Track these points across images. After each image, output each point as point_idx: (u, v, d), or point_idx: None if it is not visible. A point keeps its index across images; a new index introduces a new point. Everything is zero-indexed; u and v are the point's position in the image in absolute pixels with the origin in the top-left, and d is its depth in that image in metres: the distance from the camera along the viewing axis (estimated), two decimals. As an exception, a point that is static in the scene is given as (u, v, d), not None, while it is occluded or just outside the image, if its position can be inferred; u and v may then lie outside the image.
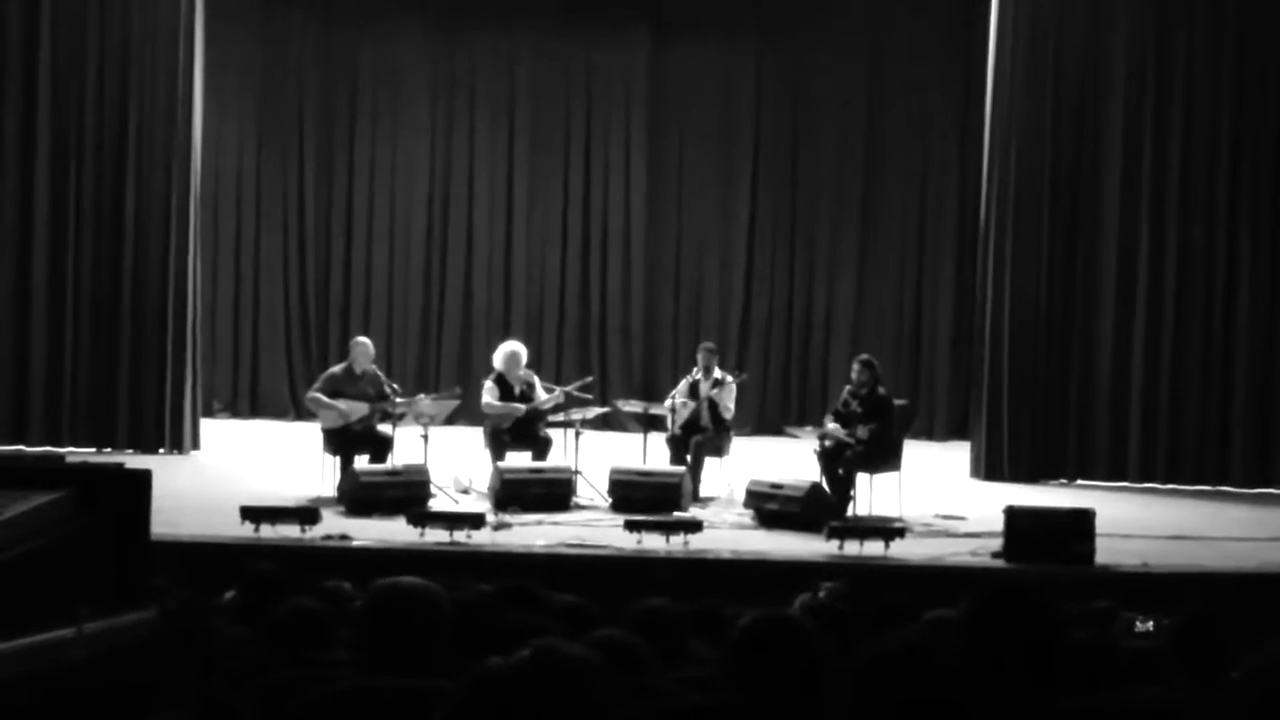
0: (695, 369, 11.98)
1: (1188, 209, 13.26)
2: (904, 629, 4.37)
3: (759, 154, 16.50)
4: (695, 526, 9.76)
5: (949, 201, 16.28)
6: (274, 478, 12.01)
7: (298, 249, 16.44)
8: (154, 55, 13.36)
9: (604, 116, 16.46)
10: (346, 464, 11.15)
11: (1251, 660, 3.11)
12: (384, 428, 11.46)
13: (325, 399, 11.31)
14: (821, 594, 6.72)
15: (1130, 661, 4.65)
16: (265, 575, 5.77)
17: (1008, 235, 13.23)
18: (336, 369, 11.73)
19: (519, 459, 11.48)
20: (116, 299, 13.42)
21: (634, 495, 10.89)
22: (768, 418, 16.12)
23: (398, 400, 11.44)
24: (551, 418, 11.83)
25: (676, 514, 10.56)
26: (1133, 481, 13.16)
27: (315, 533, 9.56)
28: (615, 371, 16.38)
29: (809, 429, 11.94)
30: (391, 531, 9.81)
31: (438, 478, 11.17)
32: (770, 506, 10.61)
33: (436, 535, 9.47)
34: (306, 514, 9.67)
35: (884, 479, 11.10)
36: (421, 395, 12.14)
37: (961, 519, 10.93)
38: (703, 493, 11.48)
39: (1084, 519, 9.54)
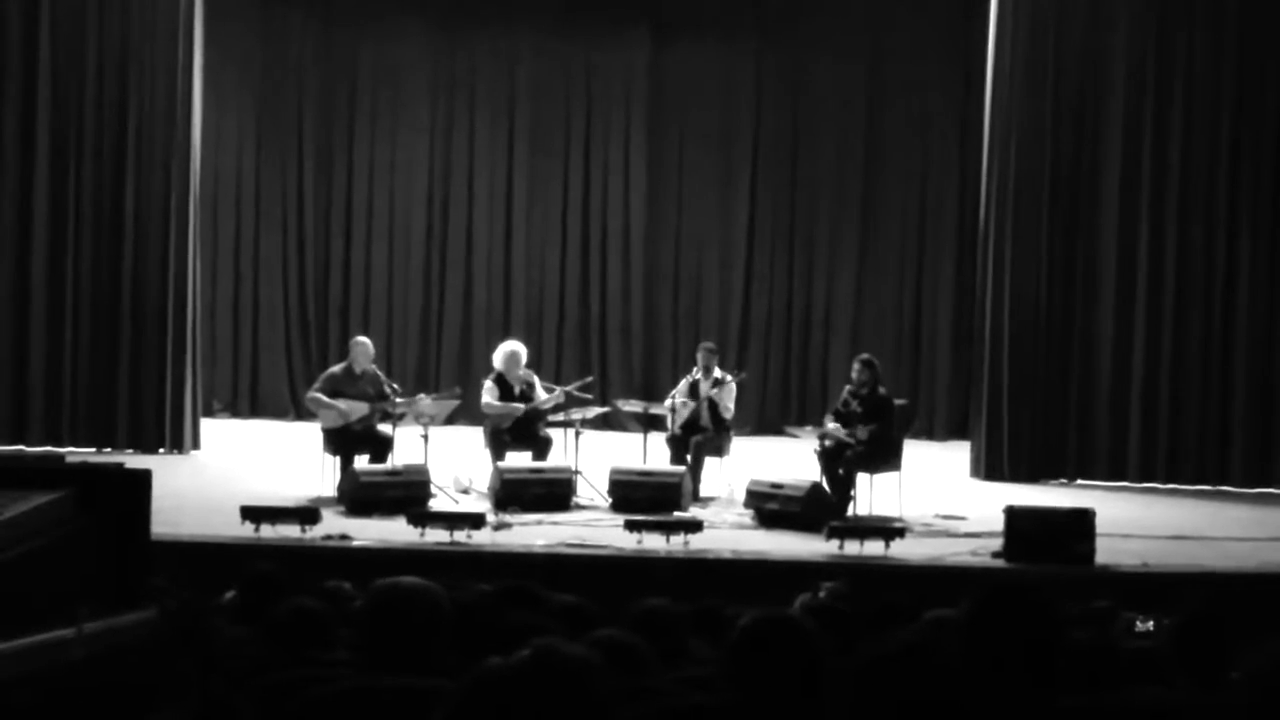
0: (695, 369, 11.98)
1: (1187, 209, 13.26)
2: (904, 629, 4.37)
3: (759, 154, 16.50)
4: (695, 526, 9.76)
5: (949, 201, 16.28)
6: (274, 478, 12.01)
7: (297, 249, 16.44)
8: (153, 55, 13.36)
9: (604, 116, 16.46)
10: (346, 464, 11.15)
11: (1251, 660, 3.11)
12: (384, 427, 11.46)
13: (325, 399, 11.31)
14: (822, 594, 6.72)
15: (1130, 661, 4.65)
16: (265, 575, 5.77)
17: (1007, 235, 13.23)
18: (336, 369, 11.73)
19: (519, 459, 11.48)
20: (116, 299, 13.42)
21: (634, 495, 10.89)
22: (768, 417, 16.12)
23: (398, 400, 11.43)
24: (551, 417, 11.83)
25: (677, 514, 10.56)
26: (1133, 481, 13.16)
27: (315, 533, 9.56)
28: (615, 371, 16.38)
29: (809, 429, 11.94)
30: (391, 531, 9.81)
31: (438, 478, 11.17)
32: (770, 506, 10.61)
33: (437, 535, 9.48)
34: (307, 514, 9.67)
35: (884, 479, 11.10)
36: (421, 395, 12.14)
37: (962, 519, 10.93)
38: (703, 492, 11.48)
39: (1084, 519, 9.54)
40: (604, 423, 13.73)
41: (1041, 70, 13.22)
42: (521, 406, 11.62)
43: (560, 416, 11.80)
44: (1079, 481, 13.16)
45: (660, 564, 9.31)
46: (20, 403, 13.41)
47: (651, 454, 11.70)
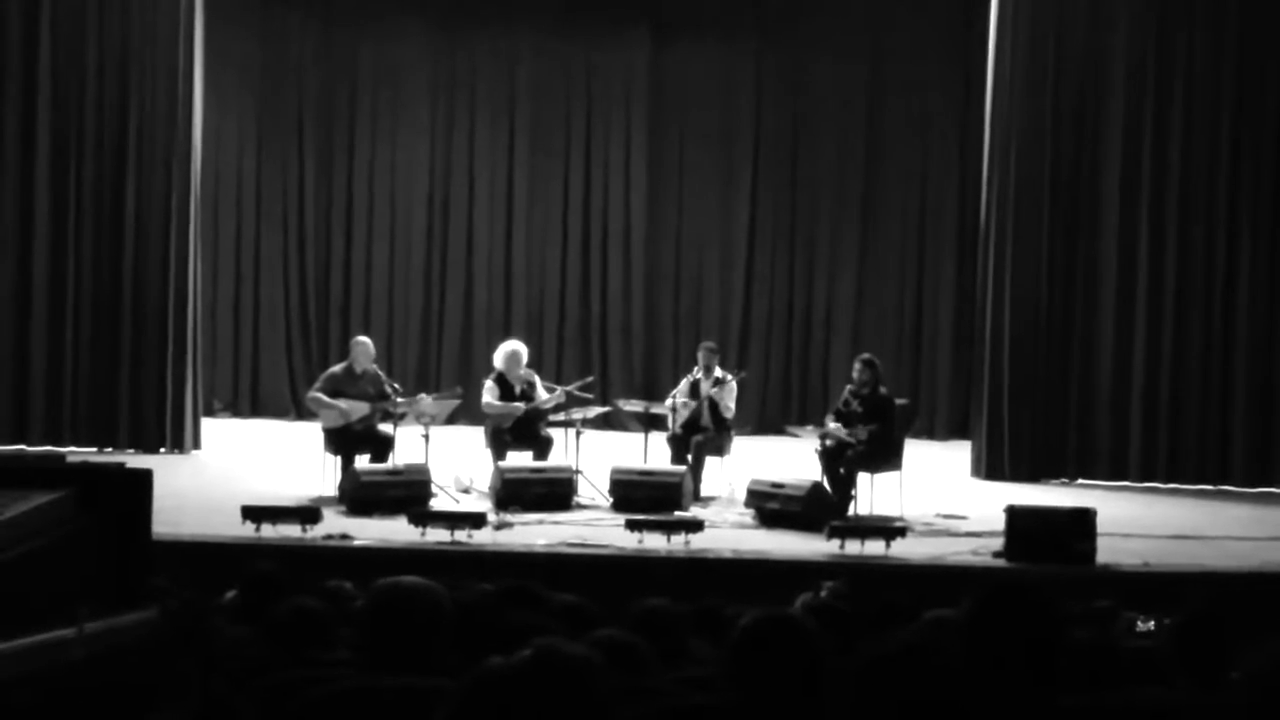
0: (696, 368, 11.98)
1: (1188, 209, 13.26)
2: (904, 629, 4.37)
3: (759, 154, 16.50)
4: (696, 526, 9.76)
5: (949, 201, 16.28)
6: (275, 477, 12.01)
7: (298, 248, 16.44)
8: (154, 55, 13.36)
9: (604, 116, 16.46)
10: (347, 463, 11.15)
11: (1251, 660, 3.11)
12: (385, 427, 11.46)
13: (326, 399, 11.31)
14: (823, 593, 6.72)
15: (1131, 661, 4.64)
16: (266, 575, 5.77)
17: (1008, 235, 13.23)
18: (337, 368, 11.73)
19: (520, 458, 11.48)
20: (117, 299, 13.42)
21: (635, 495, 10.89)
22: (768, 417, 16.12)
23: (398, 400, 11.44)
24: (552, 417, 11.83)
25: (677, 513, 10.56)
26: (1133, 481, 13.16)
27: (316, 532, 9.57)
28: (616, 371, 16.38)
29: (810, 428, 11.94)
30: (392, 531, 9.81)
31: (439, 477, 11.18)
32: (771, 506, 10.61)
33: (437, 535, 9.48)
34: (307, 514, 9.67)
35: (885, 478, 11.10)
36: (422, 395, 12.14)
37: (962, 518, 10.93)
38: (704, 492, 11.48)
39: (1085, 518, 9.54)
40: (605, 422, 13.73)
41: (1042, 71, 13.22)
42: (522, 406, 11.62)
43: (561, 416, 11.80)
44: (1080, 481, 13.16)
45: (661, 564, 9.31)
46: (21, 402, 13.41)
47: (652, 454, 11.71)
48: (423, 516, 9.71)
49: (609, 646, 3.81)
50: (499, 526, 9.96)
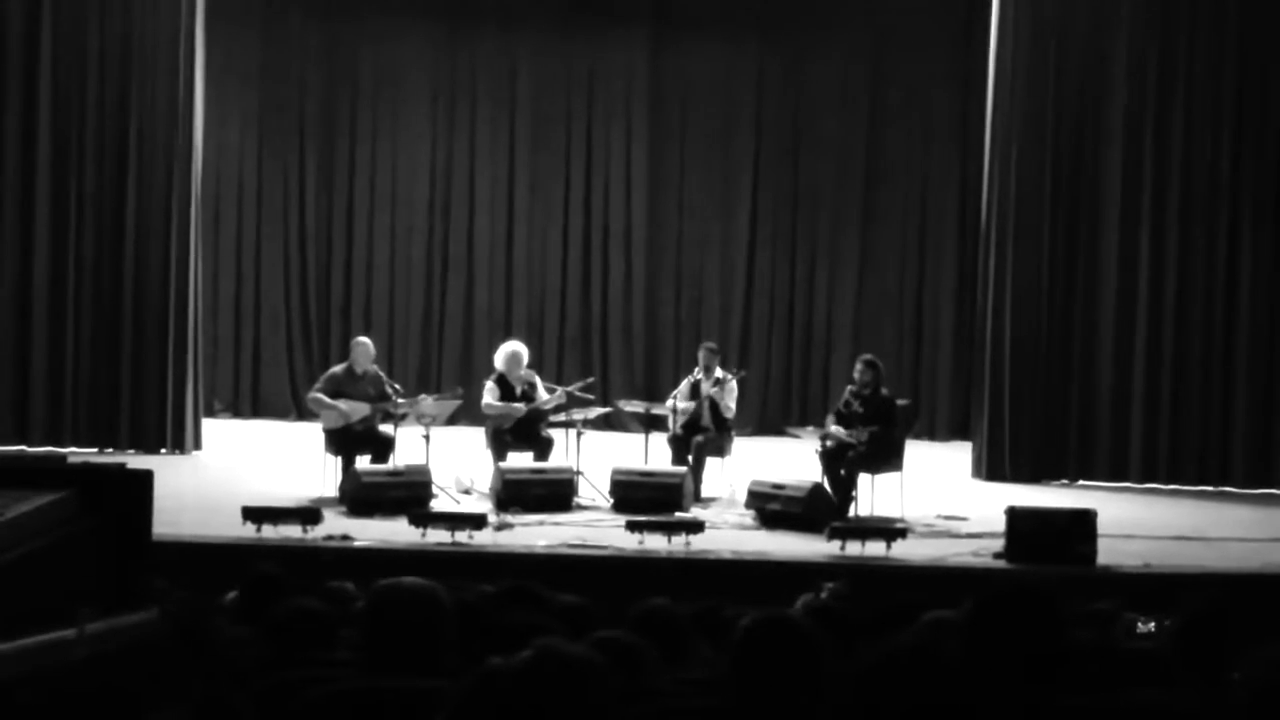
0: (696, 369, 11.98)
1: (1188, 209, 13.26)
2: (905, 630, 4.37)
3: (760, 154, 16.49)
4: (697, 527, 9.76)
5: (950, 201, 16.28)
6: (275, 478, 12.00)
7: (299, 249, 16.44)
8: (155, 55, 13.36)
9: (605, 117, 16.46)
10: (348, 464, 11.15)
11: (1252, 662, 3.11)
12: (386, 428, 11.47)
13: (326, 399, 11.31)
14: (823, 595, 6.72)
15: (1132, 663, 4.64)
16: (267, 575, 5.77)
17: (1009, 235, 13.22)
18: (337, 369, 11.73)
19: (520, 459, 11.48)
20: (118, 299, 13.42)
21: (635, 495, 10.89)
22: (769, 418, 16.12)
23: (399, 400, 11.44)
24: (553, 418, 11.83)
25: (678, 514, 10.56)
26: (1134, 482, 13.15)
27: (317, 533, 9.57)
28: (616, 372, 16.38)
29: (810, 429, 11.93)
30: (393, 532, 9.81)
31: (439, 478, 11.18)
32: (772, 507, 10.61)
33: (438, 536, 9.48)
34: (308, 514, 9.67)
35: (885, 479, 11.10)
36: (423, 395, 12.14)
37: (963, 519, 10.93)
38: (704, 493, 11.48)
39: (1086, 519, 9.53)
40: (605, 423, 13.73)
41: (1043, 71, 13.22)
42: (522, 407, 11.62)
43: (562, 417, 11.81)
44: (1080, 482, 13.16)
45: (662, 564, 9.31)
46: (22, 403, 13.41)
47: (653, 454, 11.71)
48: (423, 517, 9.71)
49: (609, 647, 3.81)
50: (500, 527, 9.97)
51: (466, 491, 11.47)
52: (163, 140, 13.38)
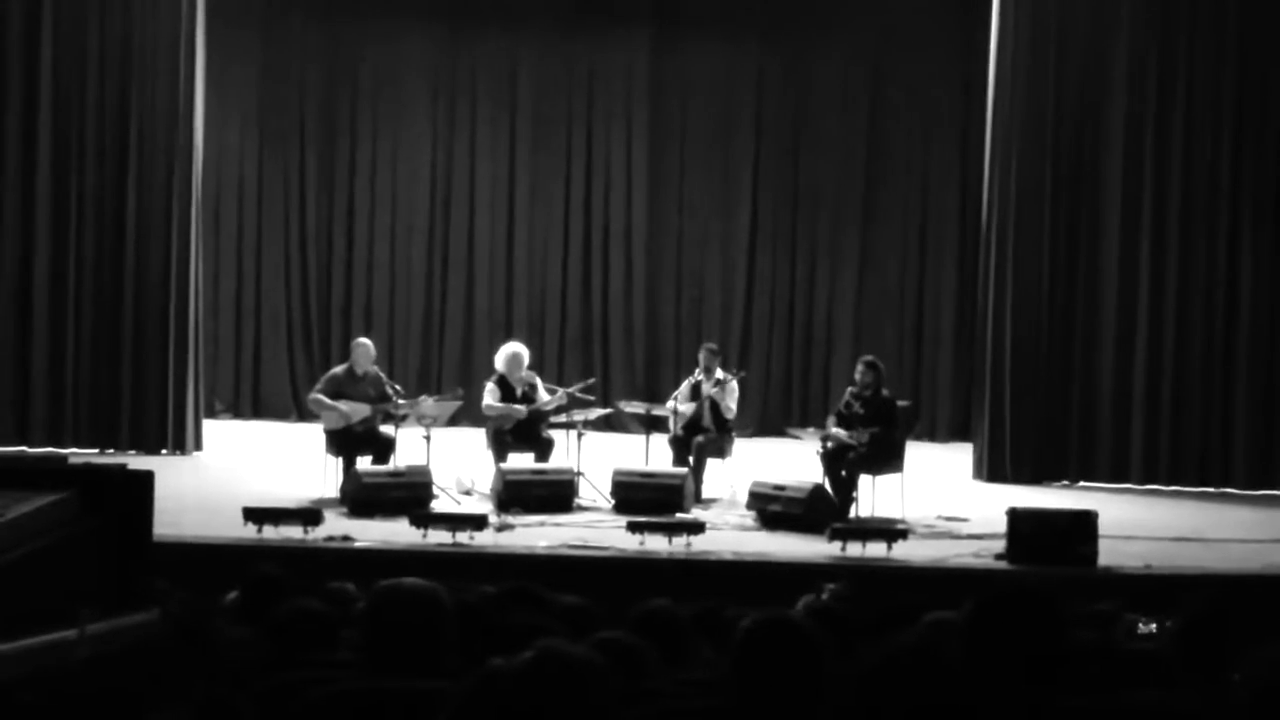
0: (697, 370, 11.97)
1: (1189, 210, 13.26)
2: (906, 631, 4.37)
3: (760, 154, 16.49)
4: (698, 528, 9.76)
5: (951, 201, 16.28)
6: (276, 479, 12.00)
7: (299, 249, 16.44)
8: (155, 56, 13.36)
9: (605, 117, 16.46)
10: (349, 465, 11.16)
11: (1253, 663, 3.11)
12: (386, 429, 11.46)
13: (327, 400, 11.31)
14: (824, 596, 6.71)
15: (1133, 664, 4.64)
16: (268, 576, 5.77)
17: (1009, 236, 13.22)
18: (338, 370, 11.73)
19: (521, 460, 11.48)
20: (118, 300, 13.43)
21: (636, 496, 10.88)
22: (770, 419, 16.12)
23: (400, 401, 11.44)
24: (554, 419, 11.84)
25: (679, 515, 10.56)
26: (1135, 483, 13.15)
27: (318, 534, 9.57)
28: (617, 373, 16.38)
29: (811, 430, 11.93)
30: (394, 533, 9.81)
31: (440, 479, 11.18)
32: (773, 508, 10.61)
33: (439, 536, 9.47)
34: (309, 515, 9.67)
35: (886, 480, 11.10)
36: (424, 396, 12.14)
37: (964, 520, 10.93)
38: (705, 494, 11.48)
39: (1086, 521, 9.53)
40: (606, 424, 13.74)
41: (1043, 71, 13.22)
42: (523, 408, 11.62)
43: (562, 418, 11.81)
44: (1081, 483, 13.15)
45: (662, 565, 9.31)
46: (23, 404, 13.41)
47: (654, 455, 11.71)
48: (424, 518, 9.71)
49: (610, 648, 3.81)
50: (500, 528, 9.96)
51: (467, 492, 11.47)
52: (163, 140, 13.38)
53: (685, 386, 12.01)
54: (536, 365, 12.70)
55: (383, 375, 11.74)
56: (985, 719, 3.08)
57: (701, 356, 12.01)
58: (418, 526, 9.57)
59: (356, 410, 11.28)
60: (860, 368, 11.34)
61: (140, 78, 13.39)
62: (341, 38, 16.27)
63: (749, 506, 10.84)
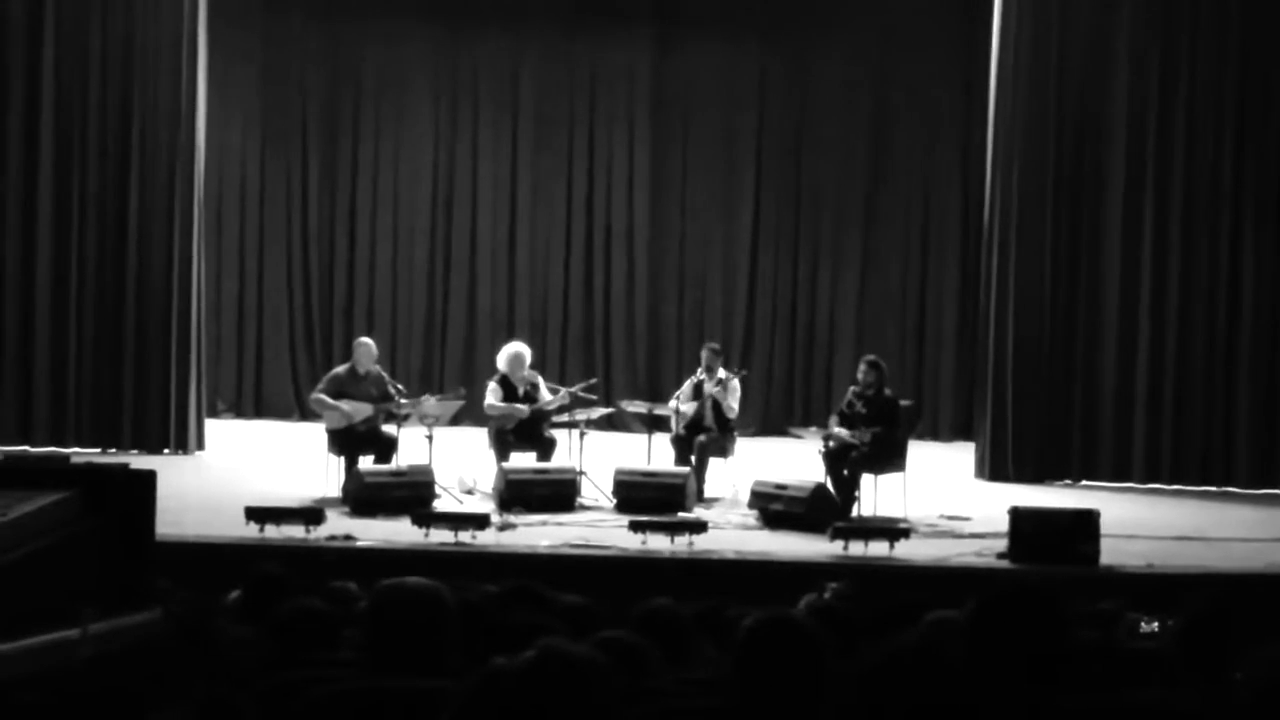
0: (699, 369, 11.97)
1: (1191, 209, 13.26)
2: (908, 630, 4.37)
3: (762, 154, 16.50)
4: (700, 527, 9.76)
5: (953, 201, 16.28)
6: (278, 478, 12.01)
7: (301, 249, 16.44)
8: (157, 57, 13.36)
9: (608, 118, 16.46)
10: (351, 464, 11.16)
11: (1254, 662, 3.11)
12: (388, 428, 11.46)
13: (329, 400, 11.31)
14: (826, 595, 6.71)
15: (1135, 663, 4.64)
16: (270, 576, 5.77)
17: (1011, 235, 13.22)
18: (340, 370, 11.74)
19: (524, 460, 11.49)
20: (121, 300, 13.43)
21: (638, 496, 10.89)
22: (772, 418, 16.11)
23: (402, 401, 11.44)
24: (556, 419, 11.84)
25: (681, 514, 10.56)
26: (1137, 482, 13.14)
27: (320, 533, 9.57)
28: (619, 372, 16.38)
29: (813, 430, 11.93)
30: (396, 532, 9.81)
31: (442, 478, 11.18)
32: (775, 507, 10.61)
33: (441, 536, 9.48)
34: (311, 514, 9.68)
35: (889, 479, 11.10)
36: (426, 396, 12.15)
37: (966, 519, 10.92)
38: (707, 493, 11.48)
39: (1089, 520, 9.53)
40: (608, 424, 13.75)
41: (1045, 71, 13.22)
42: (525, 407, 11.62)
43: (565, 417, 11.81)
44: (1083, 482, 13.15)
45: (665, 565, 9.31)
46: (25, 403, 13.41)
47: (656, 455, 11.71)
48: (426, 517, 9.71)
49: (612, 647, 3.81)
50: (502, 527, 9.97)
51: (469, 492, 11.47)
52: (165, 141, 13.39)
53: (687, 386, 12.01)
54: (538, 365, 12.70)
55: (385, 375, 11.74)
56: (987, 718, 3.08)
57: (704, 356, 12.00)
58: (420, 526, 9.57)
59: (359, 410, 11.28)
60: (863, 367, 11.35)
61: (142, 78, 13.40)
62: (343, 38, 16.27)
63: (751, 506, 10.84)
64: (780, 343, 16.54)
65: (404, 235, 16.47)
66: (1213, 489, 13.11)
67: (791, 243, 16.54)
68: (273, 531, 9.47)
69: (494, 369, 12.15)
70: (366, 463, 11.18)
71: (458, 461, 11.84)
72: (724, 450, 11.78)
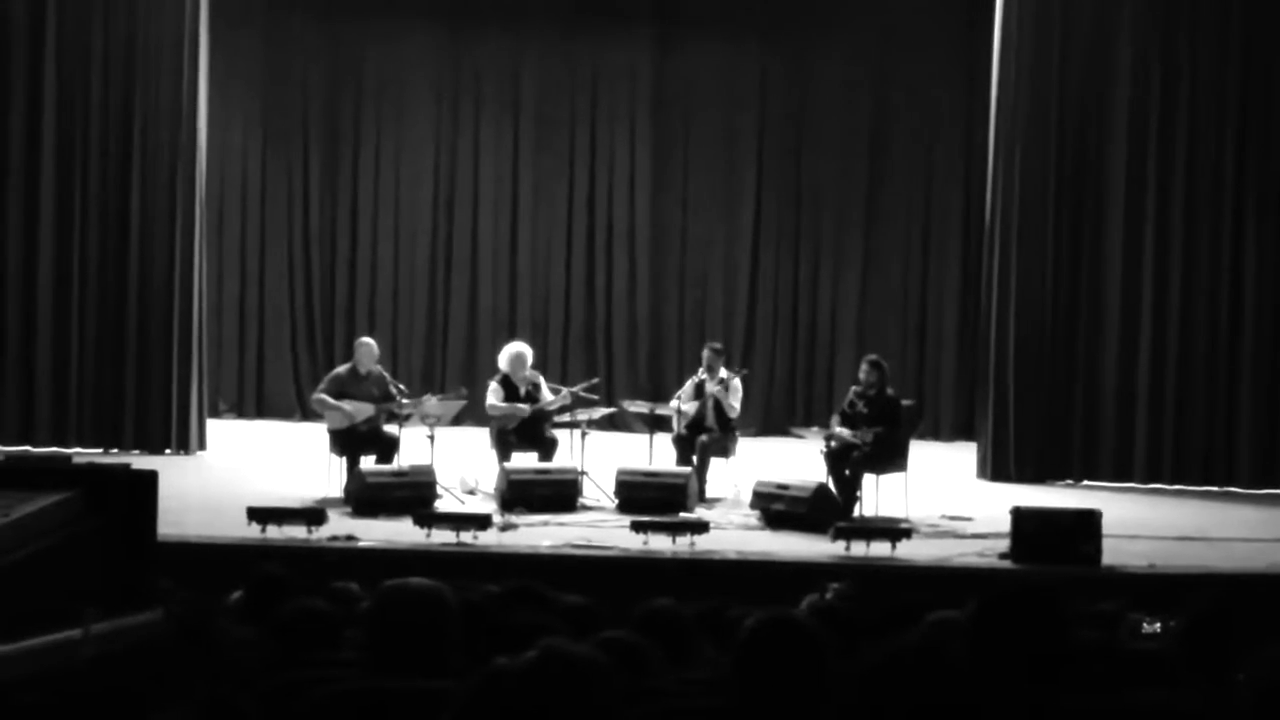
0: (701, 369, 11.97)
1: (1193, 207, 13.25)
2: (910, 630, 4.37)
3: (763, 154, 16.50)
4: (701, 527, 9.76)
5: (954, 200, 16.29)
6: (280, 478, 12.01)
7: (303, 250, 16.44)
8: (159, 57, 13.37)
9: (608, 117, 16.46)
10: (353, 465, 11.16)
11: (1256, 662, 3.11)
12: (390, 428, 11.46)
13: (331, 400, 11.32)
14: (828, 595, 6.71)
15: (1137, 663, 4.64)
16: (272, 576, 5.77)
17: (1013, 235, 13.22)
18: (341, 370, 11.74)
19: (525, 460, 11.49)
20: (122, 300, 13.44)
21: (640, 496, 10.89)
22: (773, 418, 16.11)
23: (404, 401, 11.44)
24: (557, 418, 11.84)
25: (682, 515, 10.56)
26: (1139, 482, 13.14)
27: (322, 533, 9.58)
28: (621, 372, 16.39)
29: (815, 430, 11.93)
30: (398, 532, 9.82)
31: (444, 478, 11.17)
32: (776, 507, 10.61)
33: (443, 536, 9.48)
34: (313, 515, 9.68)
35: (890, 479, 11.10)
36: (427, 396, 12.15)
37: (968, 520, 10.92)
38: (709, 493, 11.49)
39: (1090, 520, 9.53)
40: (610, 423, 13.75)
41: (1046, 70, 13.22)
42: (526, 407, 11.62)
43: (566, 417, 11.81)
44: (1085, 482, 13.15)
45: (666, 565, 9.31)
46: (27, 403, 13.42)
47: (657, 455, 11.71)
48: (428, 518, 9.72)
49: (614, 647, 3.81)
50: (504, 528, 9.97)
51: (471, 492, 11.47)
52: (167, 141, 13.39)
53: (689, 386, 12.01)
54: (540, 365, 12.70)
55: (386, 375, 11.75)
56: (989, 718, 3.08)
57: (705, 355, 12.00)
58: (421, 526, 9.57)
59: (360, 410, 11.28)
60: (864, 367, 11.34)
61: (144, 78, 13.40)
62: (344, 38, 16.27)
63: (753, 506, 10.84)
64: (782, 342, 16.54)
65: (405, 235, 16.47)
66: (1215, 489, 13.10)
67: (793, 242, 16.54)
68: (274, 532, 9.47)
69: (495, 369, 12.15)
70: (368, 463, 11.18)
71: (459, 462, 11.85)
72: (725, 450, 11.77)
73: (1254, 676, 3.13)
